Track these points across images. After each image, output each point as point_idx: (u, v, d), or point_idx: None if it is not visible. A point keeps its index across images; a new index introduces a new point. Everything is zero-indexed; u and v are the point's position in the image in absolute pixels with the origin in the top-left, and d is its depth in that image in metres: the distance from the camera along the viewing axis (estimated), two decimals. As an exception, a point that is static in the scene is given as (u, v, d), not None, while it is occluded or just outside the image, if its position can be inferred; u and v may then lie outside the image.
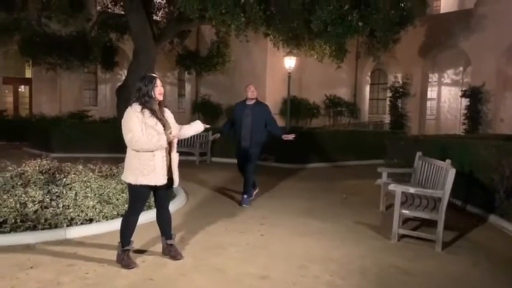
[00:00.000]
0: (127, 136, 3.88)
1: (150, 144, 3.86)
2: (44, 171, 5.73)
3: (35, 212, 5.01)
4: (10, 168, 5.83)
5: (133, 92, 4.05)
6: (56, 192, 5.33)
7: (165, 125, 4.00)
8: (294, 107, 19.15)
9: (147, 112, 3.92)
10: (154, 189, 4.09)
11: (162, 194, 4.21)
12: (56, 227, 4.92)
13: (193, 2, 9.47)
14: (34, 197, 5.12)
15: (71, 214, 5.09)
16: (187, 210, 6.40)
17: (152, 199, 4.84)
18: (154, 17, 14.49)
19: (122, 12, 14.45)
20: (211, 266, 4.16)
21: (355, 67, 22.38)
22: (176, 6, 10.38)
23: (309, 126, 19.56)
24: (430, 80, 21.41)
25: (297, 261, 4.37)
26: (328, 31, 9.78)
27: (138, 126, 3.86)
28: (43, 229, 4.85)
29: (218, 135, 7.07)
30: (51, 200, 5.20)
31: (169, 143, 4.07)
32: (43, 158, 6.06)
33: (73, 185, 5.44)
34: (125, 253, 4.10)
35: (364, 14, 9.78)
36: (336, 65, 12.23)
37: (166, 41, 14.57)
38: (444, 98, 21.95)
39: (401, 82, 20.87)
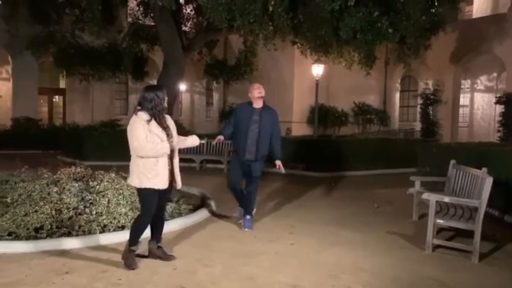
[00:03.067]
0: (133, 144, 4.07)
1: (154, 151, 4.06)
2: (78, 179, 5.87)
3: (70, 218, 5.14)
4: (46, 175, 6.00)
5: (142, 101, 4.16)
6: (90, 199, 5.46)
7: (168, 133, 4.19)
8: (322, 114, 19.07)
9: (153, 121, 4.10)
10: (159, 192, 4.22)
11: (163, 199, 4.37)
12: (89, 233, 5.03)
13: (222, 12, 9.58)
14: (69, 203, 5.26)
15: (104, 221, 5.20)
16: (215, 218, 6.42)
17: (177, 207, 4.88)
18: (184, 28, 14.73)
19: (152, 24, 14.76)
20: (241, 274, 4.15)
21: (385, 74, 22.07)
22: (205, 16, 10.51)
23: (337, 134, 19.38)
24: (462, 86, 20.89)
25: (327, 270, 4.30)
26: (358, 38, 9.69)
27: (144, 134, 4.04)
28: (77, 235, 4.97)
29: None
30: (85, 207, 5.33)
31: (172, 150, 4.23)
32: (77, 166, 6.21)
33: (106, 192, 5.55)
34: (131, 253, 4.24)
35: (394, 21, 9.64)
36: (364, 72, 12.09)
37: (195, 51, 14.78)
38: (477, 104, 21.34)
39: (432, 89, 20.43)
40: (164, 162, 4.15)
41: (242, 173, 5.86)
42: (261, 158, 5.76)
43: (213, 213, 6.60)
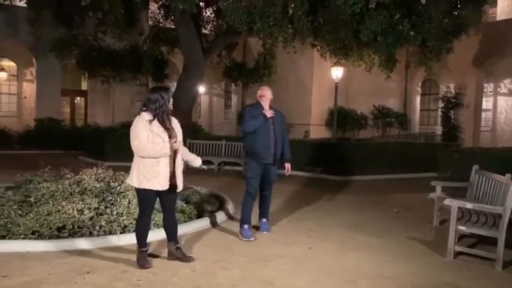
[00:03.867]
0: (134, 143, 4.11)
1: (155, 151, 4.08)
2: (99, 180, 5.96)
3: (91, 218, 5.22)
4: (68, 176, 6.11)
5: (147, 102, 4.22)
6: (111, 200, 5.54)
7: (171, 134, 4.20)
8: (341, 117, 18.94)
9: (155, 121, 4.14)
10: (159, 193, 4.25)
11: (166, 199, 4.38)
12: (110, 233, 5.10)
13: (242, 15, 9.63)
14: (90, 204, 5.34)
15: (124, 221, 5.26)
16: (233, 221, 6.43)
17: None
18: (203, 30, 14.87)
19: (173, 26, 14.93)
20: (260, 278, 4.15)
21: (405, 77, 21.80)
22: (225, 19, 10.59)
23: (356, 137, 19.22)
24: (485, 90, 20.47)
25: (346, 276, 4.27)
26: (378, 41, 9.63)
27: (145, 134, 4.08)
28: (98, 235, 5.04)
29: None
30: (105, 207, 5.41)
31: (174, 151, 4.24)
32: (99, 167, 6.31)
33: (126, 193, 5.61)
34: (142, 254, 4.29)
35: (415, 23, 9.55)
36: (385, 75, 11.99)
37: (214, 54, 14.89)
38: (501, 108, 20.87)
39: (454, 92, 20.07)
40: (165, 163, 4.16)
41: (264, 178, 5.64)
42: (276, 162, 5.66)
43: (231, 216, 6.61)
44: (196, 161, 4.61)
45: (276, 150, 5.58)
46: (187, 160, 4.56)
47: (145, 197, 4.23)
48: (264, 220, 5.87)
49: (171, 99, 4.34)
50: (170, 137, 4.18)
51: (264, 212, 5.89)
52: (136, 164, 4.20)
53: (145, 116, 4.16)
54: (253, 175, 5.54)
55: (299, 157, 12.02)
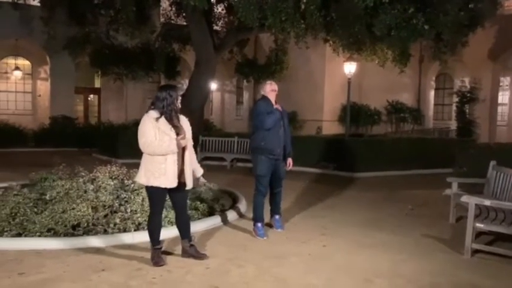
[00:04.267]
0: (141, 140, 4.14)
1: (161, 148, 4.09)
2: (113, 177, 5.98)
3: (105, 216, 5.25)
4: (82, 174, 6.14)
5: (155, 100, 4.24)
6: (125, 197, 5.55)
7: (179, 132, 4.20)
8: (354, 113, 18.75)
9: (163, 119, 4.15)
10: (168, 191, 4.25)
11: (176, 197, 4.38)
12: (124, 231, 5.11)
13: (254, 11, 9.57)
14: (104, 201, 5.36)
15: (139, 219, 5.27)
16: (248, 218, 6.40)
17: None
18: (215, 27, 14.83)
19: (184, 23, 14.93)
20: (274, 276, 4.12)
21: (419, 71, 21.52)
22: (236, 15, 10.53)
23: (369, 133, 19.04)
24: (501, 84, 20.11)
25: (362, 274, 4.22)
26: (392, 35, 9.48)
27: (152, 132, 4.09)
28: (112, 233, 5.06)
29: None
30: (120, 205, 5.42)
31: (183, 148, 4.24)
32: (112, 164, 6.33)
33: (140, 190, 5.61)
34: (156, 252, 4.30)
35: (430, 17, 9.37)
36: (398, 70, 11.83)
37: (226, 50, 14.85)
38: (517, 103, 20.51)
39: (468, 87, 19.75)
40: (173, 160, 4.15)
41: (274, 174, 5.59)
42: (283, 157, 5.64)
43: (243, 213, 6.57)
44: (199, 171, 4.57)
45: (285, 145, 5.58)
46: (193, 168, 4.48)
47: (154, 194, 4.24)
48: (277, 217, 5.83)
49: (180, 97, 4.32)
50: (178, 134, 4.18)
51: (275, 208, 5.85)
52: (144, 162, 4.22)
53: (153, 114, 4.18)
54: (264, 173, 5.46)
55: (312, 154, 11.99)
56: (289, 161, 5.76)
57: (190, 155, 4.37)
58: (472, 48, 12.97)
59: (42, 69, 21.38)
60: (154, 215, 4.34)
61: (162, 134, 4.11)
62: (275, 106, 5.50)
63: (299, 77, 20.59)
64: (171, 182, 4.16)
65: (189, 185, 4.37)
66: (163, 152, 4.11)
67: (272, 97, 5.56)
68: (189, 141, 4.33)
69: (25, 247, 4.68)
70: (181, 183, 4.26)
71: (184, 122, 4.37)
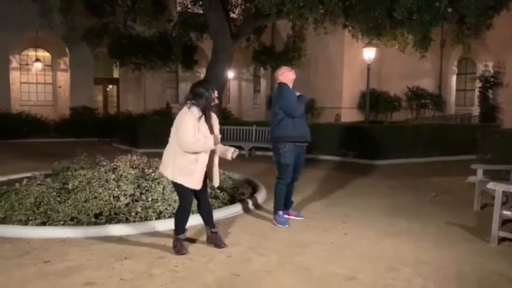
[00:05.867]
0: (179, 138, 4.08)
1: (196, 146, 4.09)
2: (134, 166, 6.02)
3: (127, 205, 5.29)
4: (104, 163, 6.20)
5: (196, 97, 4.16)
6: (146, 186, 5.58)
7: (213, 130, 4.22)
8: (373, 100, 18.51)
9: (203, 119, 4.14)
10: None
11: (200, 192, 4.35)
12: (146, 219, 5.15)
13: (271, -2, 9.41)
14: (126, 190, 5.40)
15: (160, 208, 5.31)
16: (269, 206, 6.38)
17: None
18: (232, 15, 14.69)
19: (201, 12, 14.84)
20: (296, 265, 4.09)
21: (440, 56, 21.00)
22: (253, 2, 10.39)
23: (389, 120, 18.77)
24: (526, 68, 19.47)
25: (385, 262, 4.15)
26: (413, 19, 9.21)
27: (192, 130, 4.07)
28: (134, 221, 5.10)
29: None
30: (141, 193, 5.46)
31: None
32: (133, 154, 6.36)
33: (161, 179, 5.64)
34: (178, 240, 4.32)
35: (453, -1, 9.06)
36: (419, 55, 11.53)
37: (243, 38, 14.71)
38: (543, 87, 19.86)
39: (492, 71, 19.21)
40: (204, 162, 4.17)
41: (298, 161, 5.51)
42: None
43: (263, 202, 6.55)
44: (229, 152, 4.48)
45: (309, 132, 5.54)
46: (223, 154, 4.46)
47: (179, 189, 4.26)
48: (292, 207, 5.82)
49: (216, 92, 4.28)
50: (213, 132, 4.22)
51: (290, 198, 5.79)
52: (174, 156, 4.18)
53: (195, 111, 4.13)
54: (290, 161, 5.37)
55: (331, 141, 11.88)
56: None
57: (218, 147, 4.36)
58: (495, 31, 12.54)
59: (62, 61, 21.66)
60: (183, 208, 4.35)
61: (200, 133, 4.11)
62: (297, 93, 5.43)
63: (317, 64, 20.37)
64: (196, 184, 4.18)
65: (216, 183, 4.44)
66: (197, 150, 4.11)
67: (291, 85, 5.49)
68: (219, 137, 4.30)
69: (49, 235, 4.75)
70: (205, 182, 4.31)
71: (214, 118, 4.37)
